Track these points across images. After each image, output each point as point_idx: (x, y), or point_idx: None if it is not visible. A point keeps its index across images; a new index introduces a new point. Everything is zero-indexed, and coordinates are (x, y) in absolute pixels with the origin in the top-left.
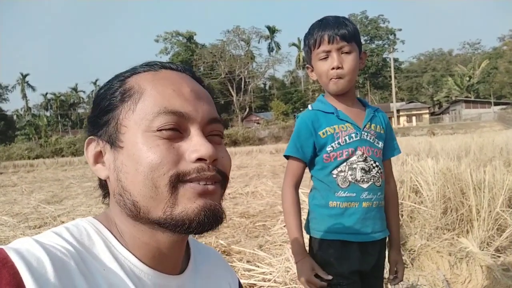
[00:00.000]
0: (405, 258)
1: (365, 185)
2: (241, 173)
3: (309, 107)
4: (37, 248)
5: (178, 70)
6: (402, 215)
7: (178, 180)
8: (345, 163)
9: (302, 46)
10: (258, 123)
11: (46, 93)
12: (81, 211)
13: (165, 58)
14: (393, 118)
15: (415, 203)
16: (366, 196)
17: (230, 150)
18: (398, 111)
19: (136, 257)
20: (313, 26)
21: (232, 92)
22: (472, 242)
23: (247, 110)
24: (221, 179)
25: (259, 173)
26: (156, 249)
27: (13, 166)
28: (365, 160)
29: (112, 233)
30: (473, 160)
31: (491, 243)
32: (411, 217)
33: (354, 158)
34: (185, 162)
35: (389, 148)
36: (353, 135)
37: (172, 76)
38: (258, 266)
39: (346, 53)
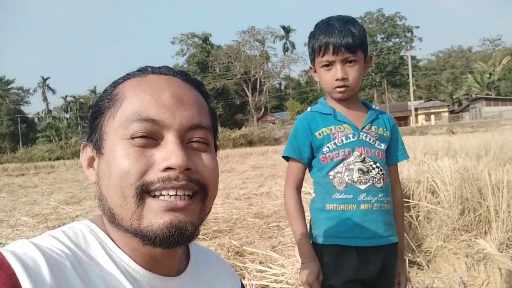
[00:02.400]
0: (421, 260)
1: (363, 186)
2: (256, 173)
3: (308, 109)
4: (34, 250)
5: (168, 75)
6: (418, 216)
7: (144, 191)
8: (342, 164)
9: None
10: (273, 123)
11: (66, 96)
12: (98, 212)
13: (181, 60)
14: (411, 117)
15: (431, 204)
16: (364, 198)
17: (246, 150)
18: (416, 109)
19: (132, 259)
20: (318, 28)
21: (248, 93)
22: (490, 244)
23: (263, 110)
24: (199, 189)
25: (274, 174)
26: (147, 254)
27: (34, 168)
28: (363, 161)
29: (108, 236)
30: (493, 159)
31: (510, 244)
32: (427, 218)
33: (351, 158)
34: (153, 171)
35: (395, 153)
36: (350, 135)
37: (156, 81)
38: (271, 267)
39: (351, 63)
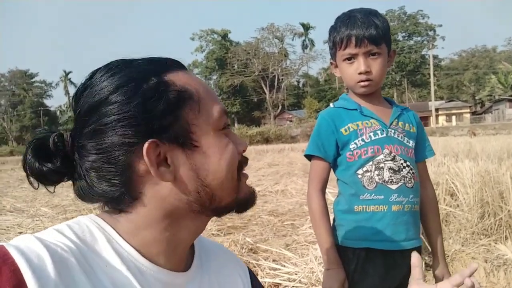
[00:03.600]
0: None
1: (394, 186)
2: (272, 170)
3: (331, 105)
4: (38, 245)
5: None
6: None
7: (240, 170)
8: (371, 162)
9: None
10: (290, 120)
11: None
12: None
13: (200, 56)
14: (431, 117)
15: (450, 207)
16: (395, 199)
17: (262, 147)
18: (437, 110)
19: (140, 253)
20: (340, 21)
21: (265, 90)
22: (511, 249)
23: (280, 107)
24: None
25: (290, 172)
26: (173, 246)
27: None
28: (393, 159)
29: (115, 230)
30: None
31: None
32: (446, 221)
33: (381, 156)
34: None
35: (422, 149)
36: (378, 132)
37: (196, 77)
38: (284, 266)
39: (374, 56)
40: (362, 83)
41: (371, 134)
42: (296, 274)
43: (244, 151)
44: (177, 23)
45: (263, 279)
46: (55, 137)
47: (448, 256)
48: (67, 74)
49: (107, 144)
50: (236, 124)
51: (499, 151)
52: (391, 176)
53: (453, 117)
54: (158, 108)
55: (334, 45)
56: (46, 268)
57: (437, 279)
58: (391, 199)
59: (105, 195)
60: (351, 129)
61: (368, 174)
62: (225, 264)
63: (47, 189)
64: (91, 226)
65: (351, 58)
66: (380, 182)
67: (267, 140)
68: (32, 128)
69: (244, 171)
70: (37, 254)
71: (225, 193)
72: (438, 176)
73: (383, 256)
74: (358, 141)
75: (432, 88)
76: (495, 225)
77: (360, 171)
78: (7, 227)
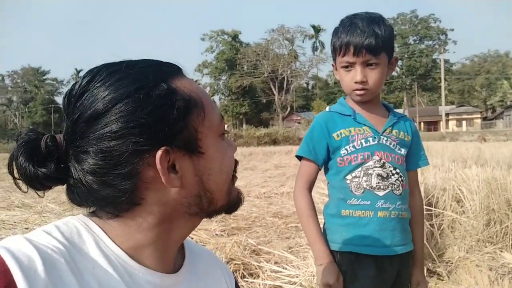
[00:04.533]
0: (441, 270)
1: (381, 193)
2: (278, 172)
3: (327, 108)
4: (28, 246)
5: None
6: (441, 225)
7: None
8: (360, 168)
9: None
10: (299, 122)
11: None
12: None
13: (210, 57)
14: (441, 122)
15: (456, 213)
16: (382, 205)
17: (270, 149)
18: (447, 114)
19: (128, 255)
20: (342, 25)
21: (274, 91)
22: None
23: (289, 109)
24: None
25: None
26: (165, 248)
27: None
28: (382, 166)
29: (104, 231)
30: None
31: None
32: (451, 227)
33: (370, 163)
34: None
35: (416, 158)
36: (370, 139)
37: (195, 83)
38: (286, 268)
39: (371, 66)
40: (358, 92)
41: (363, 141)
42: (297, 277)
43: (234, 153)
44: (188, 24)
45: (264, 281)
46: (48, 140)
47: (452, 263)
48: (78, 72)
49: (116, 151)
50: (244, 125)
51: (509, 158)
52: (378, 183)
53: (464, 122)
54: (170, 115)
55: (334, 50)
56: (36, 269)
57: (413, 285)
58: (377, 205)
59: (107, 200)
60: (343, 135)
61: (357, 180)
62: (212, 269)
63: (38, 194)
64: (80, 227)
65: (348, 66)
66: (368, 188)
67: (274, 142)
68: (43, 125)
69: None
70: (27, 256)
71: (222, 195)
72: (445, 182)
73: (372, 260)
74: (349, 147)
75: (443, 93)
76: (501, 232)
77: (349, 177)
78: (14, 222)
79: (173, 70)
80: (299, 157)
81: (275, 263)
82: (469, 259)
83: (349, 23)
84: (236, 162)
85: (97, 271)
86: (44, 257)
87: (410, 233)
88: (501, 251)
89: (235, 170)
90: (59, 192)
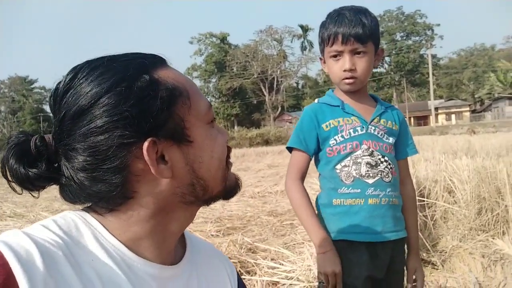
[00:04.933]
0: (436, 260)
1: (370, 181)
2: (271, 172)
3: (316, 100)
4: (26, 239)
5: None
6: (434, 216)
7: (227, 159)
8: (349, 158)
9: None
10: (290, 122)
11: None
12: None
13: (199, 60)
14: (431, 116)
15: (448, 203)
16: (372, 192)
17: (262, 149)
18: (436, 109)
19: (127, 247)
20: (329, 18)
21: (265, 92)
22: (508, 244)
23: (279, 109)
24: None
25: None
26: (163, 239)
27: None
28: (371, 155)
29: (102, 224)
30: None
31: None
32: (444, 217)
33: (359, 152)
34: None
35: (404, 147)
36: (358, 128)
37: (181, 73)
38: (282, 264)
39: (359, 54)
40: (347, 81)
41: (351, 130)
42: (293, 272)
43: (227, 140)
44: (176, 27)
45: (261, 277)
46: (37, 141)
47: (446, 252)
48: None
49: (103, 146)
50: (236, 127)
51: (498, 148)
52: (368, 171)
53: (453, 116)
54: (154, 106)
55: (323, 42)
56: (34, 262)
57: (410, 272)
58: (367, 192)
59: (99, 195)
60: (332, 125)
61: (346, 169)
62: (214, 262)
63: (32, 195)
64: (78, 221)
65: (337, 55)
66: (357, 176)
67: (267, 142)
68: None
69: (229, 160)
70: (25, 249)
71: (217, 182)
72: (436, 174)
73: (365, 247)
74: (338, 137)
75: (432, 87)
76: (492, 220)
77: (338, 166)
78: None
79: (156, 61)
80: (290, 149)
81: (272, 259)
82: (462, 248)
83: (337, 14)
84: (229, 149)
85: (96, 263)
86: (42, 250)
87: (403, 220)
88: (493, 238)
89: (228, 156)
90: (51, 200)
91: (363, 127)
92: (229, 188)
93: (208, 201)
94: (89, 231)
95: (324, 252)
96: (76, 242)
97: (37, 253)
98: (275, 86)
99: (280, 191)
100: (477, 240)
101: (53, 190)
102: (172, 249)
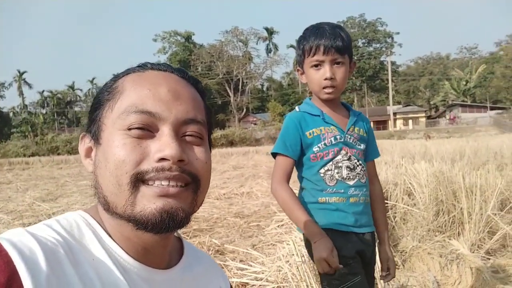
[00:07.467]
0: (397, 260)
1: (351, 182)
2: (237, 173)
3: (297, 108)
4: (29, 238)
5: (167, 71)
6: (395, 217)
7: (138, 180)
8: (331, 162)
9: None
10: (255, 123)
11: (43, 91)
12: (76, 209)
13: (163, 58)
14: (389, 121)
15: (408, 205)
16: (353, 192)
17: (227, 150)
18: (394, 114)
19: (123, 250)
20: (309, 32)
21: (230, 93)
22: (463, 244)
23: (244, 110)
24: (191, 181)
25: (255, 174)
26: (138, 244)
27: (8, 164)
28: (349, 159)
29: (101, 226)
30: (467, 164)
31: (482, 245)
32: (404, 219)
33: (339, 157)
34: (148, 161)
35: (371, 151)
36: (338, 136)
37: (154, 77)
38: (251, 265)
39: (339, 65)
40: (327, 90)
41: (332, 139)
42: (263, 273)
43: (159, 158)
44: (140, 25)
45: (230, 279)
46: None
47: (406, 253)
48: (21, 74)
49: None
50: None
51: (452, 153)
52: (348, 174)
53: (410, 121)
54: (92, 104)
55: (303, 53)
56: (37, 260)
57: (383, 261)
58: (349, 192)
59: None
60: (315, 134)
61: (329, 172)
62: (209, 272)
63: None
64: (79, 221)
65: (318, 65)
66: (340, 179)
67: (231, 143)
68: None
69: (154, 184)
70: (28, 247)
71: (116, 200)
72: (396, 177)
73: (341, 234)
74: (321, 144)
75: (391, 93)
76: (449, 222)
77: (322, 170)
78: None
79: (135, 69)
80: (274, 154)
81: (240, 261)
82: (421, 248)
83: (317, 29)
84: (156, 167)
85: (96, 263)
86: (45, 249)
87: (371, 216)
88: (450, 239)
89: (141, 177)
90: (6, 201)
91: (341, 136)
92: (137, 217)
93: (127, 219)
94: (90, 232)
95: (315, 242)
96: (78, 242)
97: (40, 251)
98: (240, 87)
99: (246, 193)
100: (435, 241)
101: (6, 190)
102: (163, 254)
